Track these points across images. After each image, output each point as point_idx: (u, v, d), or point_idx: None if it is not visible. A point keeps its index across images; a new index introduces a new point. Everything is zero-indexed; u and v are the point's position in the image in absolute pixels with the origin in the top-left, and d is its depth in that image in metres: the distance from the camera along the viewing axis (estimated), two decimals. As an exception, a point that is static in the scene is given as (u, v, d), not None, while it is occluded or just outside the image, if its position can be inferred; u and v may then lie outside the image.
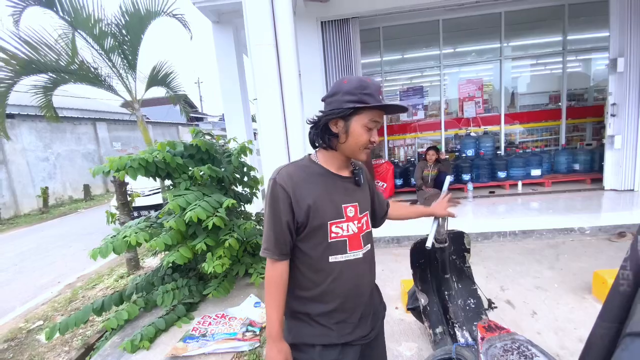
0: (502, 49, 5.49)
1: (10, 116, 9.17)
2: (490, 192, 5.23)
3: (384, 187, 5.41)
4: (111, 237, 2.40)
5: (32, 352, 2.68)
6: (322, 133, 1.00)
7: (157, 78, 5.49)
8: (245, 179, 3.26)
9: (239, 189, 3.37)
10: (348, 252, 1.00)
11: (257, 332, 2.17)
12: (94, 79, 4.67)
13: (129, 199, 3.85)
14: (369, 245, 1.08)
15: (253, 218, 3.40)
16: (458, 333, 1.77)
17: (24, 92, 4.54)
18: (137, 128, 15.65)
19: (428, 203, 4.86)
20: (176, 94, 6.24)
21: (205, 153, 2.77)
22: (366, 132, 0.97)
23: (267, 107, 2.24)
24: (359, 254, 1.02)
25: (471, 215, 4.35)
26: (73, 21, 4.03)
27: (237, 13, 4.79)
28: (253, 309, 2.41)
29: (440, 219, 1.60)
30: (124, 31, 4.55)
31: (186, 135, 19.13)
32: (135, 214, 5.19)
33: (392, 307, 2.51)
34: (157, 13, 4.85)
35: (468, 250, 1.85)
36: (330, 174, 1.02)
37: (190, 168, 2.67)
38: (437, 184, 4.94)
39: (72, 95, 10.00)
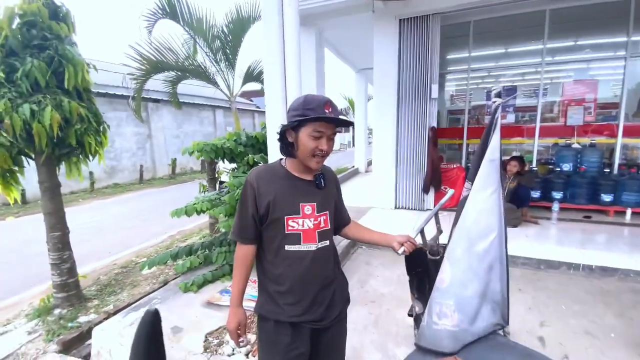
0: (629, 44, 4.39)
1: (156, 101, 11.84)
2: (586, 217, 4.35)
3: (452, 194, 5.07)
4: (188, 204, 3.10)
5: (133, 279, 3.68)
6: (281, 143, 1.23)
7: (252, 75, 6.34)
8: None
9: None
10: (302, 244, 1.18)
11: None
12: (205, 76, 5.71)
13: (216, 175, 4.73)
14: (326, 242, 1.23)
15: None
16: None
17: (163, 82, 5.95)
18: (246, 116, 17.99)
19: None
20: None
21: (263, 144, 3.23)
22: (312, 140, 1.13)
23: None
24: (312, 246, 1.19)
25: (542, 238, 3.78)
26: (192, 29, 5.06)
27: (319, 15, 5.15)
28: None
29: (437, 227, 1.63)
30: (228, 36, 5.45)
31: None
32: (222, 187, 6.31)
33: (406, 311, 2.53)
34: (255, 18, 5.60)
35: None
36: (292, 177, 1.21)
37: (249, 155, 3.17)
38: (515, 199, 4.40)
39: (203, 85, 12.30)
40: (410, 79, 4.86)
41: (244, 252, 1.24)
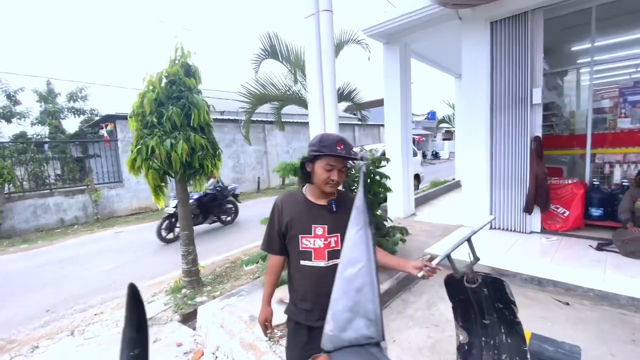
0: None
1: (270, 122, 13.77)
2: None
3: (565, 214, 4.25)
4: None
5: (237, 272, 4.51)
6: (301, 172, 1.50)
7: (343, 95, 6.80)
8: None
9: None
10: (313, 260, 1.41)
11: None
12: (301, 102, 6.48)
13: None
14: (336, 260, 1.38)
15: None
16: None
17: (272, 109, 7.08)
18: (347, 130, 18.80)
19: (626, 248, 3.97)
20: (358, 104, 7.42)
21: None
22: (325, 172, 1.37)
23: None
24: (321, 263, 1.41)
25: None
26: (290, 64, 5.87)
27: (404, 32, 5.19)
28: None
29: (470, 251, 1.61)
30: (319, 63, 6.07)
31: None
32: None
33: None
34: (346, 42, 6.06)
35: (514, 303, 1.62)
36: (308, 201, 1.47)
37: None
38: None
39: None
40: (506, 84, 4.36)
41: (272, 262, 1.56)
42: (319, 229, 1.42)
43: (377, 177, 3.95)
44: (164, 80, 3.71)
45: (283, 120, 7.95)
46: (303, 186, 1.54)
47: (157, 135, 3.60)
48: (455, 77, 9.11)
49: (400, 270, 1.55)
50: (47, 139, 10.51)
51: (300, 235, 1.43)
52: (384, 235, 3.80)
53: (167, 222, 6.07)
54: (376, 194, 4.03)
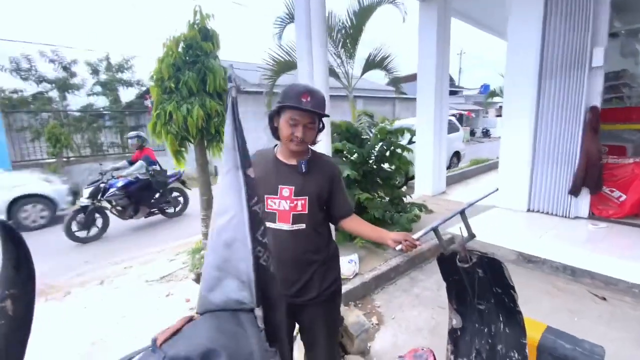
0: None
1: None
2: None
3: (621, 199, 3.64)
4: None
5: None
6: (270, 127, 1.37)
7: (374, 62, 6.37)
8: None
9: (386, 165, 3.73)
10: (276, 222, 1.31)
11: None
12: (332, 73, 6.21)
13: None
14: (302, 225, 1.30)
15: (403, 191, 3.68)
16: None
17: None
18: (387, 103, 17.99)
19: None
20: (395, 78, 6.92)
21: (347, 131, 3.34)
22: (288, 127, 1.24)
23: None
24: (284, 227, 1.30)
25: None
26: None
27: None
28: (345, 262, 2.89)
29: (462, 223, 1.42)
30: (349, 29, 5.67)
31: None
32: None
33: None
34: (378, 4, 5.58)
35: (514, 289, 1.38)
36: (277, 160, 1.35)
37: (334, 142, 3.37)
38: None
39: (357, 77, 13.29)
40: (560, 44, 3.70)
41: None
42: (285, 190, 1.30)
43: (398, 150, 3.68)
44: (182, 45, 3.70)
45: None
46: (276, 145, 1.41)
47: (175, 101, 3.64)
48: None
49: (377, 241, 1.40)
50: (103, 110, 11.41)
51: (266, 196, 1.32)
52: (399, 211, 3.58)
53: (79, 215, 4.71)
54: (397, 168, 3.78)
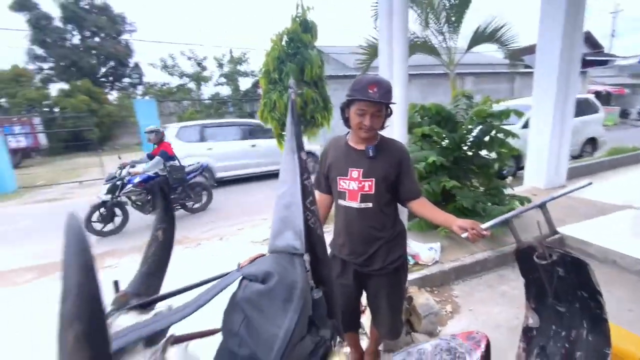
0: None
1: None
2: None
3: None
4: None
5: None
6: (342, 117, 1.53)
7: (484, 35, 5.69)
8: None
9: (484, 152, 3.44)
10: (347, 200, 1.49)
11: (411, 263, 2.75)
12: (432, 50, 5.90)
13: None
14: (369, 204, 1.45)
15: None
16: None
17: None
18: (504, 80, 15.65)
19: None
20: (508, 48, 6.06)
21: (438, 114, 3.21)
22: (357, 117, 1.38)
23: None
24: (353, 204, 1.47)
25: None
26: (421, 7, 5.32)
27: None
28: (425, 249, 2.90)
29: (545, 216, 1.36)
30: (454, 1, 5.19)
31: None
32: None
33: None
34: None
35: (601, 294, 1.22)
36: (348, 146, 1.51)
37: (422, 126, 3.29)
38: None
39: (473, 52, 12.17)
40: None
41: (319, 199, 1.70)
42: (354, 172, 1.46)
43: (500, 135, 3.35)
44: (285, 39, 4.13)
45: (413, 72, 7.41)
46: (348, 132, 1.57)
47: (278, 90, 4.14)
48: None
49: (444, 226, 1.43)
50: (226, 98, 13.46)
51: (338, 177, 1.50)
52: (496, 203, 3.29)
53: (99, 211, 4.69)
54: (499, 155, 3.45)
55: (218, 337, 0.78)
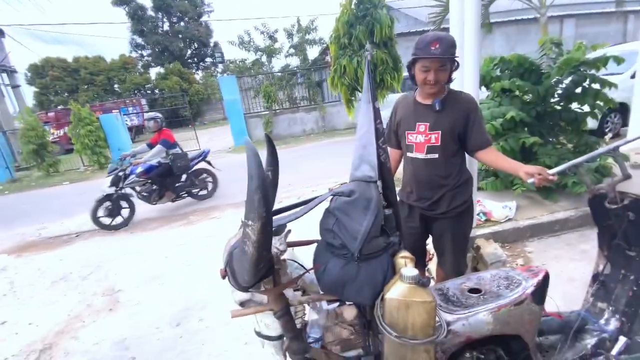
0: None
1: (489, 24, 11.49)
2: None
3: None
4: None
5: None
6: (409, 75, 1.66)
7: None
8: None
9: (575, 105, 3.12)
10: (414, 152, 1.66)
11: (482, 219, 2.80)
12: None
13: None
14: (435, 155, 1.60)
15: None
16: (611, 319, 1.48)
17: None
18: (615, 21, 12.63)
19: None
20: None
21: (520, 66, 2.98)
22: (422, 73, 1.51)
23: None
24: (420, 156, 1.64)
25: None
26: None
27: None
28: (499, 207, 2.88)
29: (618, 161, 1.37)
30: None
31: None
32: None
33: None
34: None
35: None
36: (415, 102, 1.66)
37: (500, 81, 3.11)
38: None
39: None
40: None
41: (391, 154, 1.89)
42: (421, 127, 1.62)
43: (596, 86, 2.99)
44: (354, 2, 4.16)
45: (498, 20, 6.62)
46: (416, 89, 1.70)
47: (348, 55, 4.26)
48: None
49: (512, 172, 1.52)
50: (295, 69, 13.87)
51: (406, 132, 1.68)
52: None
53: (106, 203, 4.55)
54: (593, 108, 3.11)
55: (311, 247, 1.12)
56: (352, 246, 0.93)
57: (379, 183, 1.02)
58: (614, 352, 1.34)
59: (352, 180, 1.08)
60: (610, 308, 1.48)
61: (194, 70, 27.83)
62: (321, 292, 1.13)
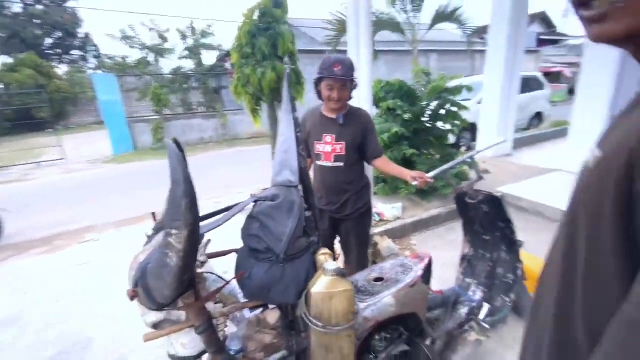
0: None
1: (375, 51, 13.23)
2: None
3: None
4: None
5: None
6: (315, 91, 1.81)
7: (444, 15, 6.06)
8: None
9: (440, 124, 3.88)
10: (322, 160, 1.81)
11: (377, 219, 3.18)
12: (396, 27, 6.17)
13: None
14: (341, 163, 1.78)
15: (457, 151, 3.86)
16: (476, 290, 1.89)
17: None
18: (466, 57, 16.33)
19: None
20: (466, 27, 6.48)
21: (400, 89, 3.57)
22: (326, 91, 1.68)
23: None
24: (328, 164, 1.80)
25: None
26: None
27: None
28: (389, 208, 3.33)
29: (473, 167, 1.75)
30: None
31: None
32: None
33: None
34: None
35: (511, 221, 1.69)
36: (322, 115, 1.82)
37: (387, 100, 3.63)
38: None
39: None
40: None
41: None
42: (328, 137, 1.78)
43: (454, 108, 3.79)
44: (256, 13, 4.21)
45: (381, 49, 7.66)
46: (322, 103, 1.86)
47: (251, 65, 4.27)
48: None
49: (400, 177, 1.81)
50: (190, 72, 12.96)
51: (315, 142, 1.81)
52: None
53: None
54: (452, 126, 3.91)
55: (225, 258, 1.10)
56: (277, 248, 0.96)
57: (300, 187, 1.08)
58: (480, 316, 1.73)
59: (274, 185, 1.11)
60: (475, 281, 1.91)
61: (55, 64, 22.79)
62: (242, 301, 1.11)
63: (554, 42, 22.88)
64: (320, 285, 0.91)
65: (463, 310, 1.77)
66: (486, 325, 1.70)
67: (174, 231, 0.69)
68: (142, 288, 0.82)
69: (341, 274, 0.92)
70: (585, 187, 0.42)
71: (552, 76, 18.68)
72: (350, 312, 0.93)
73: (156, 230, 1.11)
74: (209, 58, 13.78)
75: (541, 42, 20.90)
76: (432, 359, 1.40)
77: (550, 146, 6.32)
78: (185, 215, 0.67)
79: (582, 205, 0.42)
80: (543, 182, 4.03)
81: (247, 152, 9.45)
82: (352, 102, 1.85)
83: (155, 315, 0.90)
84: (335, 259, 2.47)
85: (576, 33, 23.08)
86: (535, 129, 7.92)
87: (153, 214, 1.17)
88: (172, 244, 0.70)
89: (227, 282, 1.04)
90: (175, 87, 11.71)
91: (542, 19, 24.15)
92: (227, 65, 12.58)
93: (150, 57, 12.46)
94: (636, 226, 0.34)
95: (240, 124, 11.72)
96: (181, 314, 0.93)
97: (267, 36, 4.17)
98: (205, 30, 12.42)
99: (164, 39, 12.15)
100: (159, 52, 12.11)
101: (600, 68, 3.78)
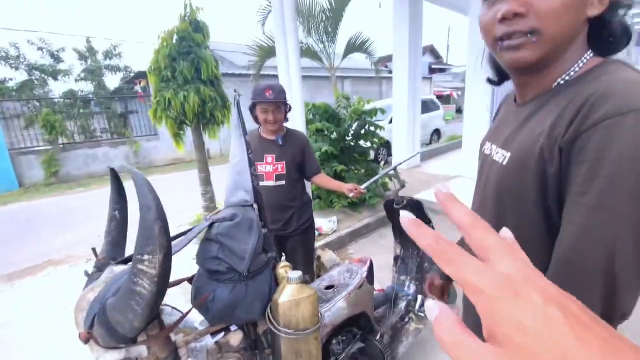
0: None
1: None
2: None
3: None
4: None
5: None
6: (252, 116, 1.90)
7: (355, 46, 6.79)
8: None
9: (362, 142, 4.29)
10: (265, 180, 1.89)
11: (317, 234, 3.31)
12: (315, 55, 6.61)
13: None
14: (282, 182, 1.88)
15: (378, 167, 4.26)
16: (411, 285, 2.13)
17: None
18: (375, 83, 18.25)
19: None
20: (374, 58, 7.34)
21: (325, 112, 3.87)
22: (262, 114, 1.78)
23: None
24: (270, 183, 1.88)
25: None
26: (303, 17, 5.95)
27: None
28: (326, 222, 3.51)
29: (396, 177, 1.99)
30: (329, 14, 6.05)
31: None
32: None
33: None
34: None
35: (431, 222, 2.00)
36: (261, 137, 1.91)
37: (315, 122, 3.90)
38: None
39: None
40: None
41: None
42: (269, 158, 1.86)
43: (372, 128, 4.23)
44: (175, 37, 4.11)
45: (303, 75, 8.04)
46: (259, 126, 1.96)
47: (172, 88, 4.09)
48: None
49: (338, 190, 1.98)
50: (91, 96, 11.53)
51: (256, 163, 1.87)
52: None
53: None
54: (372, 143, 4.35)
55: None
56: (239, 267, 0.99)
57: (255, 206, 1.14)
58: (416, 308, 1.96)
59: (228, 205, 1.14)
60: (409, 277, 2.16)
61: None
62: (201, 328, 1.09)
63: (442, 70, 27.34)
64: (286, 294, 0.97)
65: (402, 305, 1.99)
66: (422, 315, 1.94)
67: (146, 257, 0.68)
68: (102, 326, 0.77)
69: (305, 280, 1.00)
70: (503, 178, 0.61)
71: (444, 99, 22.13)
72: (315, 315, 1.00)
73: (98, 267, 1.03)
74: (113, 80, 12.53)
75: (432, 70, 24.95)
76: (383, 352, 1.54)
77: (450, 156, 7.46)
78: (159, 239, 0.67)
79: (505, 191, 0.60)
80: (455, 189, 4.74)
81: (167, 179, 8.75)
82: (288, 125, 1.99)
83: (114, 356, 0.84)
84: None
85: (458, 63, 28.17)
86: (436, 143, 9.25)
87: (94, 249, 1.08)
88: (143, 271, 0.69)
89: (190, 310, 1.02)
90: (73, 113, 10.26)
91: (431, 50, 28.71)
92: (137, 88, 11.63)
93: (41, 79, 10.72)
94: (550, 196, 0.53)
95: (156, 151, 10.84)
96: (142, 350, 0.88)
97: (189, 60, 4.08)
98: (110, 50, 11.30)
99: (58, 59, 10.62)
100: (52, 74, 10.51)
101: (479, 90, 4.71)
